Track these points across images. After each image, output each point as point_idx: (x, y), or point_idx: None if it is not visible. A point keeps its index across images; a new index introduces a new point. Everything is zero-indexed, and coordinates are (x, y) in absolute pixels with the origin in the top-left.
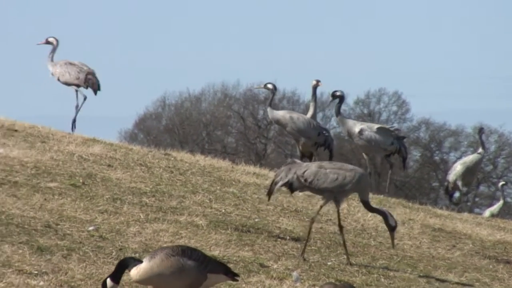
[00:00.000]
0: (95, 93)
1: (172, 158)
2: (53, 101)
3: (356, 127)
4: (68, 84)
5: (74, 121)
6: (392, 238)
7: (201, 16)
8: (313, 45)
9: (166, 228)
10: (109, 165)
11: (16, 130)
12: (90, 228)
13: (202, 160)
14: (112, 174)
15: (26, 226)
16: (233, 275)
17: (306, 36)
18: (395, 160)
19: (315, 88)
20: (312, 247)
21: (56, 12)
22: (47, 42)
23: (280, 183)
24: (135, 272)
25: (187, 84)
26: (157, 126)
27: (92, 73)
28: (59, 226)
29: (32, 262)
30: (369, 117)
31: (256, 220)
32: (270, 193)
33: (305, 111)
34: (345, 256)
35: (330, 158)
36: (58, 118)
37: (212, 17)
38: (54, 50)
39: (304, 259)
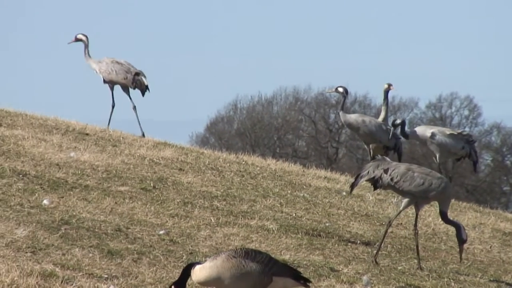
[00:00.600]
0: (143, 94)
1: (243, 162)
2: (124, 105)
3: (428, 131)
4: (113, 83)
5: (109, 122)
6: (461, 251)
7: (273, 20)
8: (385, 48)
9: (237, 232)
10: (180, 169)
11: (87, 134)
12: (161, 232)
13: (273, 164)
14: (183, 178)
15: (96, 230)
16: (304, 280)
17: (378, 39)
18: (466, 164)
19: (387, 92)
20: (383, 251)
21: (122, 11)
22: (77, 40)
23: (366, 177)
24: (197, 272)
25: (259, 87)
26: (228, 129)
27: (140, 73)
28: (129, 230)
29: (102, 266)
30: (441, 121)
31: (327, 224)
32: (353, 185)
33: (376, 115)
34: (415, 261)
35: (399, 161)
36: (129, 122)
37: (283, 21)
38: (86, 47)
39: (376, 263)
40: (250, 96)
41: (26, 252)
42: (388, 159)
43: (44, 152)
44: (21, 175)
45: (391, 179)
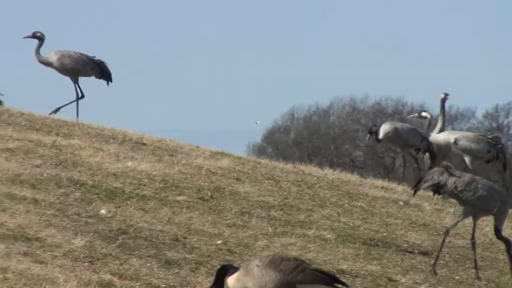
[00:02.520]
0: (108, 83)
1: (300, 172)
2: (181, 115)
3: (451, 137)
4: (73, 73)
5: (59, 108)
6: None
7: (330, 31)
8: (442, 58)
9: (294, 242)
10: (237, 179)
11: (144, 144)
12: (218, 242)
13: (330, 173)
14: (240, 187)
15: (154, 240)
16: (342, 284)
17: (434, 49)
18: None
19: (443, 101)
20: (440, 261)
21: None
22: (34, 36)
23: (430, 182)
24: (229, 280)
25: (316, 97)
26: (285, 139)
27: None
28: (187, 240)
29: (160, 276)
30: (498, 130)
31: (384, 234)
32: (416, 189)
33: (433, 126)
34: (473, 270)
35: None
36: (186, 132)
37: (341, 32)
38: (41, 45)
39: (435, 273)
40: (307, 105)
41: (84, 262)
42: (452, 166)
43: (101, 162)
44: (78, 185)
45: (455, 187)
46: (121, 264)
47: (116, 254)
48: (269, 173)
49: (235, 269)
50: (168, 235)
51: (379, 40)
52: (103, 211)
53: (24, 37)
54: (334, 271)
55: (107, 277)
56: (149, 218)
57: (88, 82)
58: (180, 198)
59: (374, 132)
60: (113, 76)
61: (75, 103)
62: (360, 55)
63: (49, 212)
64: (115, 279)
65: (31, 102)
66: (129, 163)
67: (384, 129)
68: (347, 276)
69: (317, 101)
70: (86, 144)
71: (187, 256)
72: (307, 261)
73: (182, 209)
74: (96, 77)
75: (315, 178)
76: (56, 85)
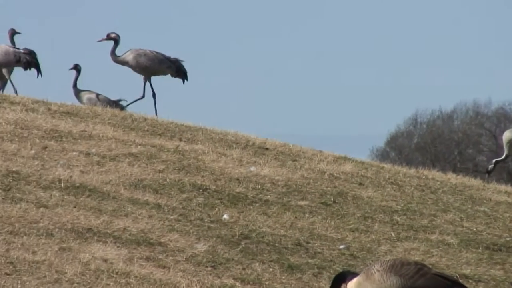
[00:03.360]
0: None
1: (424, 177)
2: (304, 119)
3: None
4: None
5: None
6: None
7: (452, 35)
8: None
9: (417, 246)
10: (360, 184)
11: (267, 149)
12: (341, 247)
13: (453, 178)
14: (363, 192)
15: (276, 244)
16: None
17: None
18: None
19: None
20: None
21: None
22: (109, 38)
23: None
24: (349, 285)
25: (439, 102)
26: (408, 144)
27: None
28: (309, 245)
29: (283, 281)
30: None
31: (508, 239)
32: None
33: None
34: None
35: None
36: (309, 137)
37: (463, 36)
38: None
39: None
40: (430, 110)
41: (206, 267)
42: None
43: (224, 167)
44: (201, 190)
45: None
46: (243, 269)
47: (238, 258)
48: (392, 177)
49: (354, 275)
50: (291, 239)
51: (501, 44)
52: (225, 216)
53: (99, 41)
54: (457, 275)
55: (230, 281)
56: (272, 223)
57: (210, 87)
58: (303, 203)
59: (491, 171)
60: (234, 80)
61: (138, 101)
62: (484, 60)
63: (171, 217)
64: (237, 283)
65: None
66: (252, 168)
67: (506, 137)
68: (469, 280)
69: (441, 106)
70: (209, 149)
71: (309, 261)
72: (429, 266)
73: (304, 214)
74: (172, 75)
75: (438, 182)
76: (176, 92)
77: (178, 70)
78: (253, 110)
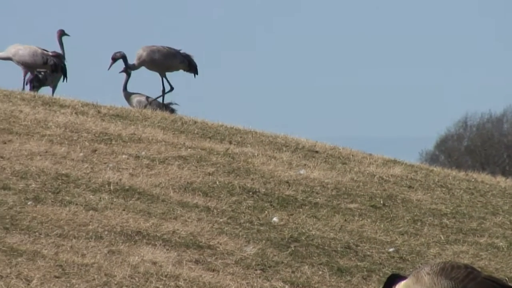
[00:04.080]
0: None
1: (473, 180)
2: (354, 122)
3: None
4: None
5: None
6: None
7: (505, 38)
8: None
9: (466, 249)
10: (409, 187)
11: (317, 152)
12: (390, 250)
13: (503, 181)
14: (412, 195)
15: (326, 247)
16: None
17: None
18: None
19: None
20: None
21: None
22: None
23: None
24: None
25: (489, 105)
26: (458, 147)
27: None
28: (359, 247)
29: (332, 283)
30: None
31: None
32: None
33: None
34: None
35: None
36: (358, 140)
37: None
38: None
39: None
40: (480, 113)
41: (256, 270)
42: None
43: (273, 170)
44: (251, 193)
45: None
46: (293, 272)
47: (288, 262)
48: (441, 181)
49: (403, 278)
50: (340, 242)
51: None
52: (275, 219)
53: (109, 68)
54: (506, 279)
55: (279, 284)
56: (321, 225)
57: (261, 90)
58: (352, 205)
59: None
60: (284, 84)
61: (162, 97)
62: None
63: (221, 220)
64: (286, 286)
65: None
66: (302, 171)
67: None
68: None
69: (491, 109)
70: (259, 152)
71: (359, 263)
72: (479, 269)
73: (354, 216)
74: (184, 70)
75: (488, 186)
76: (226, 94)
77: (190, 64)
78: (303, 113)
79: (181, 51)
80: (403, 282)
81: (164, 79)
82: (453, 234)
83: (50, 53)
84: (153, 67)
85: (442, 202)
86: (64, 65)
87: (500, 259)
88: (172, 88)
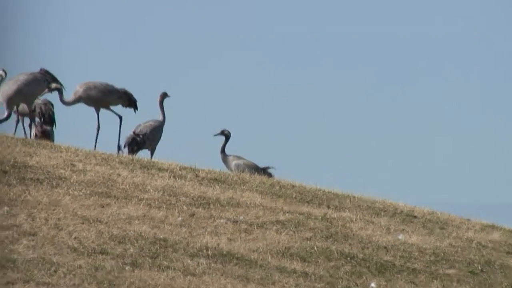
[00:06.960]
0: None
1: None
2: (452, 187)
3: None
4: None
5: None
6: None
7: None
8: None
9: None
10: (508, 252)
11: (415, 217)
12: None
13: None
14: (511, 261)
15: None
16: None
17: None
18: None
19: None
20: None
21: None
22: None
23: None
24: None
25: None
26: None
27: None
28: None
29: None
30: None
31: None
32: None
33: None
34: None
35: None
36: (455, 205)
37: None
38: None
39: None
40: None
41: None
42: None
43: (371, 235)
44: (348, 258)
45: None
46: None
47: None
48: None
49: None
50: None
51: None
52: (373, 285)
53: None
54: None
55: None
56: None
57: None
58: (450, 271)
59: None
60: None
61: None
62: None
63: (318, 286)
64: None
65: (302, 174)
66: (400, 236)
67: None
68: None
69: None
70: (357, 217)
71: None
72: None
73: (452, 282)
74: (123, 105)
75: None
76: (326, 157)
77: (129, 100)
78: (399, 178)
79: (119, 88)
80: None
81: (98, 115)
82: None
83: (40, 101)
84: (90, 103)
85: None
86: (53, 113)
87: None
88: (98, 127)
